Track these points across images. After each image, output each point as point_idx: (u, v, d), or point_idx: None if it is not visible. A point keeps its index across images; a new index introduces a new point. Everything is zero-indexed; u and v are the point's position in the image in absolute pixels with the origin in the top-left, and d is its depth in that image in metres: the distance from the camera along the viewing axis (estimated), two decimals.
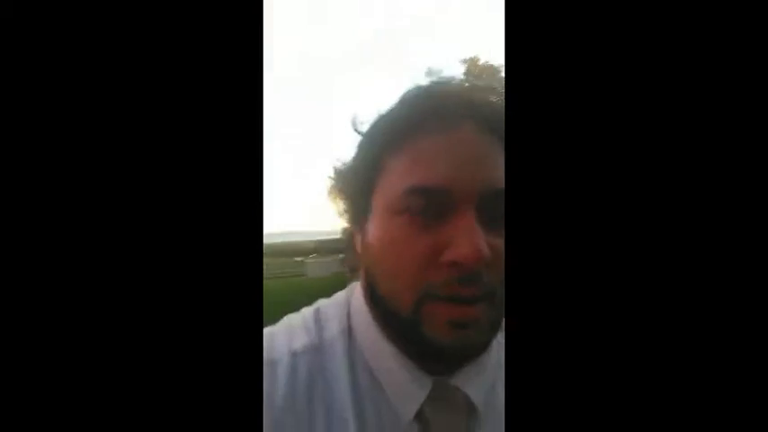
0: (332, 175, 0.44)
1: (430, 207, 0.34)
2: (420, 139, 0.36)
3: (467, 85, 0.40)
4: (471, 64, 11.51)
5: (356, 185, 0.40)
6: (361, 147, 0.41)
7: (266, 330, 0.41)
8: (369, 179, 0.38)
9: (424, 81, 0.40)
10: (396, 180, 0.36)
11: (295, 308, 0.46)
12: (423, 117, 0.36)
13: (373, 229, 0.38)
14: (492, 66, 11.48)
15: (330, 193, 0.44)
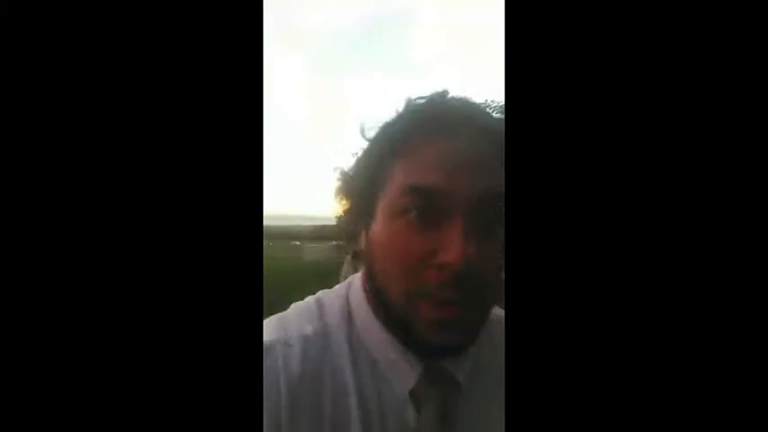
0: (339, 177, 0.47)
1: (425, 208, 0.37)
2: (420, 144, 0.39)
3: (466, 98, 0.45)
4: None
5: (364, 188, 0.43)
6: (368, 152, 0.44)
7: (277, 316, 0.46)
8: (376, 182, 0.42)
9: (426, 93, 0.44)
10: (397, 182, 0.39)
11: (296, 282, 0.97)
12: (424, 124, 0.40)
13: (377, 228, 0.41)
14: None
15: (338, 193, 0.47)
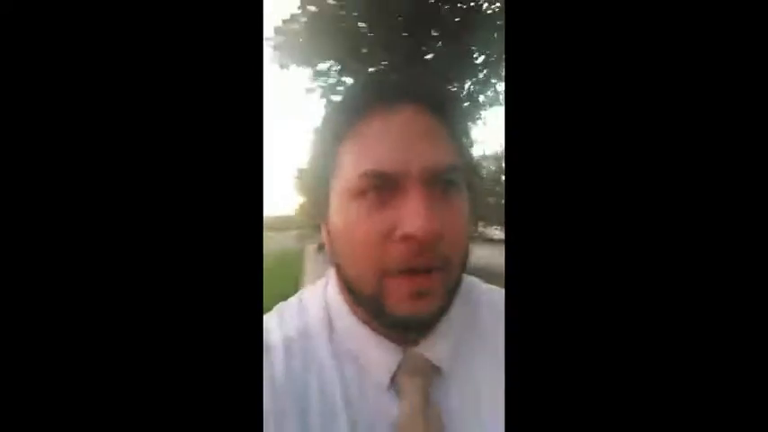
0: (297, 173, 0.63)
1: (382, 188, 0.36)
2: (365, 125, 0.38)
3: (406, 73, 0.45)
4: None
5: (315, 178, 0.43)
6: (314, 141, 0.44)
7: (264, 317, 0.45)
8: (324, 170, 0.41)
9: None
10: (348, 167, 0.38)
11: None
12: (365, 104, 0.39)
13: (333, 215, 0.40)
14: None
15: (295, 189, 0.54)
